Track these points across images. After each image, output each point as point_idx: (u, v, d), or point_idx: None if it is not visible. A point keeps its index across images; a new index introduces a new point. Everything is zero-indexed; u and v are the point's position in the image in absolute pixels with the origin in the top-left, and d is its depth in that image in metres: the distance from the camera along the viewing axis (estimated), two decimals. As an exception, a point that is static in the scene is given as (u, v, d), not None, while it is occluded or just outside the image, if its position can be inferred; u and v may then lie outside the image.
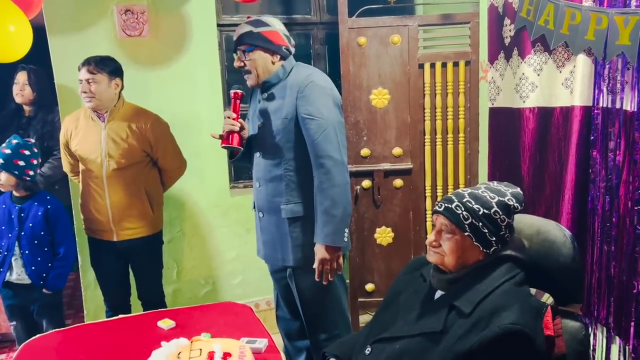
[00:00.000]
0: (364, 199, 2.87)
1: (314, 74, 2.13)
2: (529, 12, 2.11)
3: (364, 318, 3.06)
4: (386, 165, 2.86)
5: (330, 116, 2.05)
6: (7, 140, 2.51)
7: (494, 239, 1.39)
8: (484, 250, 1.40)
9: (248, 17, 2.16)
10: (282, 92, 2.12)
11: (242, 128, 2.13)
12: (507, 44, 2.35)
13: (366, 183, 2.87)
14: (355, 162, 2.84)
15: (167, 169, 2.72)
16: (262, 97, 2.17)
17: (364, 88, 2.80)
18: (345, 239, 2.08)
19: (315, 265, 2.08)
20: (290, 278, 2.22)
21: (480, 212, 1.39)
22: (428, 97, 2.80)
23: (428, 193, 2.89)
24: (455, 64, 2.76)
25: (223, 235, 3.32)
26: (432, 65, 2.77)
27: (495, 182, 1.50)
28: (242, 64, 2.13)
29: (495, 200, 1.40)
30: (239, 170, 3.43)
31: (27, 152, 2.50)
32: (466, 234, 1.39)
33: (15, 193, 2.52)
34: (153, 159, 2.64)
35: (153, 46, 3.01)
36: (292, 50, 2.18)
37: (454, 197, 1.44)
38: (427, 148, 2.84)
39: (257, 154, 2.20)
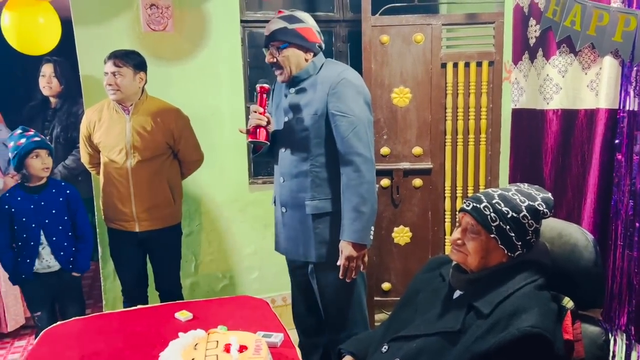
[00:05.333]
0: (382, 197, 2.86)
1: (346, 71, 2.12)
2: (555, 12, 2.09)
3: (380, 317, 3.05)
4: (406, 165, 2.85)
5: (361, 114, 2.06)
6: (21, 133, 2.54)
7: (520, 243, 1.38)
8: (509, 253, 1.39)
9: (279, 12, 2.14)
10: (312, 88, 2.11)
11: (268, 122, 2.13)
12: (531, 45, 2.32)
13: (385, 182, 2.87)
14: (375, 160, 2.82)
15: (187, 161, 2.75)
16: (289, 92, 2.16)
17: (385, 86, 2.79)
18: (371, 237, 2.07)
19: (340, 262, 2.07)
20: (311, 274, 2.22)
21: (509, 215, 1.37)
22: (450, 97, 2.78)
23: (447, 193, 2.87)
24: (479, 64, 2.74)
25: (241, 231, 3.33)
26: (455, 65, 2.75)
27: (526, 184, 1.47)
28: (274, 60, 2.10)
29: (525, 204, 1.38)
30: (258, 166, 3.44)
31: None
32: (492, 235, 1.38)
33: (29, 184, 2.55)
34: (174, 151, 2.67)
35: (176, 41, 3.03)
36: (323, 46, 2.18)
37: (482, 197, 1.41)
38: (448, 148, 2.82)
39: (283, 149, 2.18)
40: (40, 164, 2.51)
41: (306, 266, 2.24)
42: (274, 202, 2.32)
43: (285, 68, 2.11)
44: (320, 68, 2.14)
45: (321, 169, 2.12)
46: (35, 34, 2.82)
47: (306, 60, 2.12)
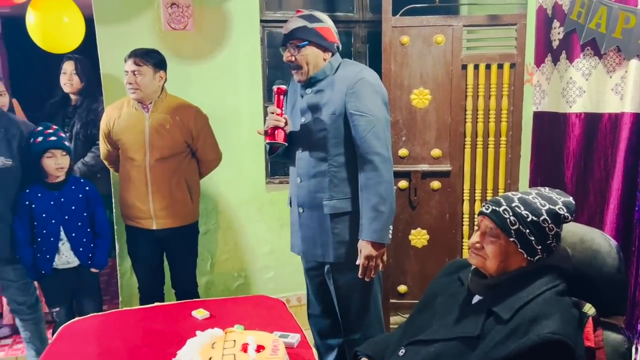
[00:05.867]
0: (400, 199, 2.84)
1: (364, 70, 2.13)
2: (580, 14, 2.05)
3: (395, 319, 3.03)
4: (424, 167, 2.83)
5: (379, 113, 2.06)
6: (41, 131, 2.55)
7: (540, 247, 1.36)
8: (528, 257, 1.37)
9: (298, 12, 2.15)
10: (329, 87, 2.11)
11: (286, 123, 2.14)
12: (555, 47, 2.29)
13: (403, 184, 2.85)
14: (393, 162, 2.81)
15: (205, 160, 2.76)
16: (306, 92, 2.16)
17: (404, 87, 2.77)
18: (390, 236, 2.07)
19: (359, 262, 2.07)
20: (328, 275, 2.21)
21: (529, 219, 1.35)
22: (470, 99, 2.75)
23: (466, 196, 2.84)
24: (500, 66, 2.71)
25: (257, 230, 3.34)
26: (476, 67, 2.73)
27: (547, 188, 1.44)
28: (292, 58, 2.11)
29: (546, 208, 1.36)
30: (275, 166, 3.45)
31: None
32: (511, 239, 1.36)
33: (49, 180, 2.58)
34: (193, 149, 2.68)
35: (196, 40, 3.05)
36: (340, 47, 2.18)
37: (502, 200, 1.40)
38: (467, 150, 2.80)
39: (300, 150, 2.18)
40: (54, 164, 2.52)
41: (322, 267, 2.23)
42: (290, 203, 2.32)
43: (304, 67, 2.11)
44: (337, 68, 2.15)
45: (339, 169, 2.11)
46: (60, 33, 2.85)
47: (324, 59, 2.13)
